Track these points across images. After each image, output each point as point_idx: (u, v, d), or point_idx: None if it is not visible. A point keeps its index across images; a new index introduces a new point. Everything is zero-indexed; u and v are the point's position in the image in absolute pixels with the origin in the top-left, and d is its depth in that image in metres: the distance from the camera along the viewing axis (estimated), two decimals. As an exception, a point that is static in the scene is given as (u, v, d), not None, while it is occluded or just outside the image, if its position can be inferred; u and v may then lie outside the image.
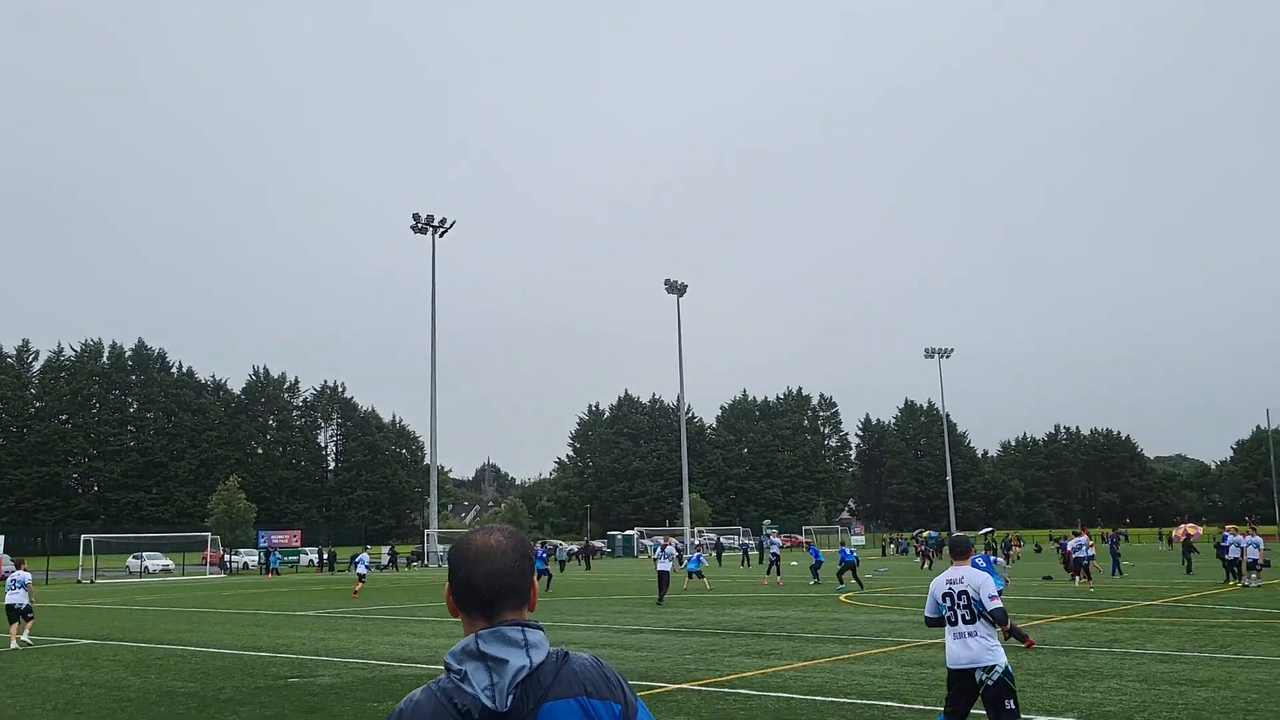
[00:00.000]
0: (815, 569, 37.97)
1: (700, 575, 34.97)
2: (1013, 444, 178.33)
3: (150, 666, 16.39)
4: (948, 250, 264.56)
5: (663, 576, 28.09)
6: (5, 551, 62.68)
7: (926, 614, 7.95)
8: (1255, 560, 29.57)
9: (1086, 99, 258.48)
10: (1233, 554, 32.26)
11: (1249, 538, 30.44)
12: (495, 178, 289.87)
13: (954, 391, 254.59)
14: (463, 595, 2.13)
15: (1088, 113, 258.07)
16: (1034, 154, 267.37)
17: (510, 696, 2.00)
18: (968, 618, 7.52)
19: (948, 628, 7.62)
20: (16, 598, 20.67)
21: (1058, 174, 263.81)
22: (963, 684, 7.54)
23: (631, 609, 26.03)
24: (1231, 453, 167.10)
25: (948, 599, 7.64)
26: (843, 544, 49.20)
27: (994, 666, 7.35)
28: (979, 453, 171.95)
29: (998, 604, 7.46)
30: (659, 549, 29.40)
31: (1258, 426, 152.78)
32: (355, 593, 35.27)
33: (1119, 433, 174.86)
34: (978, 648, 7.42)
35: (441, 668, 2.14)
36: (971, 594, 7.52)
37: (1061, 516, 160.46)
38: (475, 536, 2.20)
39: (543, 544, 37.19)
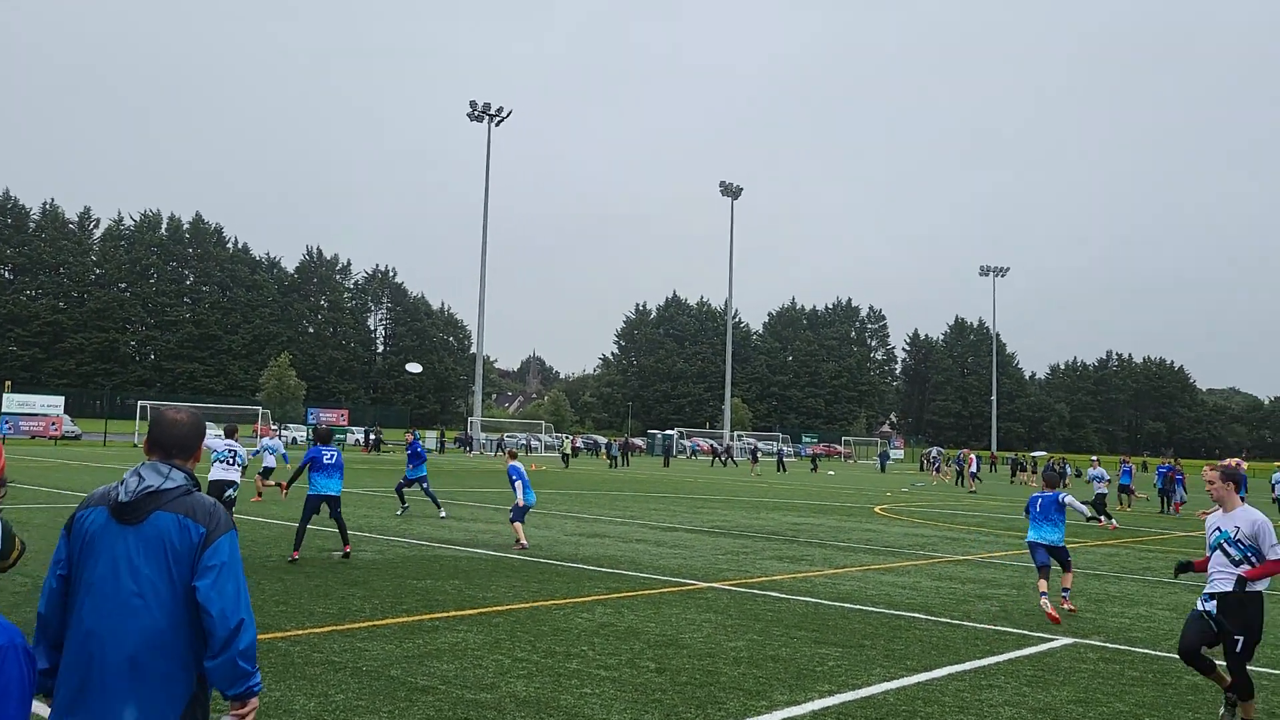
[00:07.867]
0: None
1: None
2: (1062, 368, 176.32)
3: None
4: (1010, 168, 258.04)
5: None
6: (65, 412, 64.65)
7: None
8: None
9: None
10: (1278, 492, 32.06)
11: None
12: (559, 70, 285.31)
13: (1006, 312, 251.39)
14: (151, 442, 3.34)
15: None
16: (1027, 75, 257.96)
17: (133, 496, 3.12)
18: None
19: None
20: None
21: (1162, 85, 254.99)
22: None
23: (666, 507, 26.38)
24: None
25: None
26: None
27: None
28: (1026, 374, 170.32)
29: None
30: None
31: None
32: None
33: (1172, 362, 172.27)
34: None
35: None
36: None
37: (1105, 443, 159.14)
38: (167, 410, 3.47)
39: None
